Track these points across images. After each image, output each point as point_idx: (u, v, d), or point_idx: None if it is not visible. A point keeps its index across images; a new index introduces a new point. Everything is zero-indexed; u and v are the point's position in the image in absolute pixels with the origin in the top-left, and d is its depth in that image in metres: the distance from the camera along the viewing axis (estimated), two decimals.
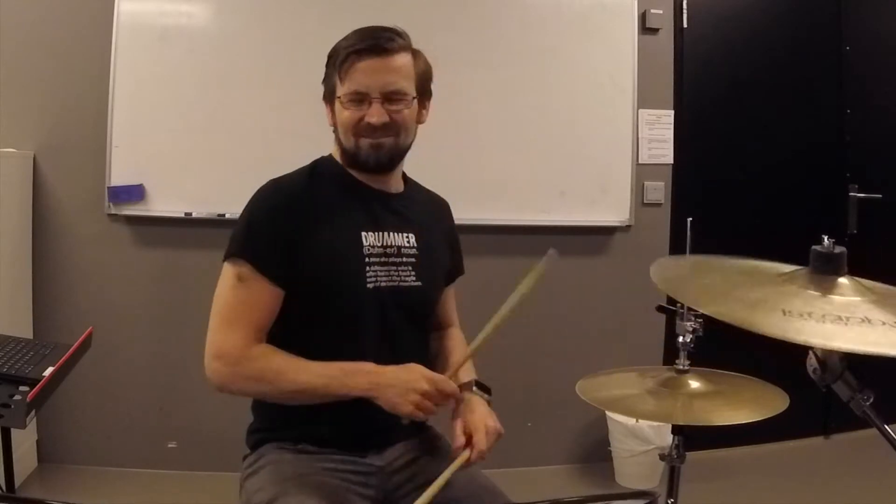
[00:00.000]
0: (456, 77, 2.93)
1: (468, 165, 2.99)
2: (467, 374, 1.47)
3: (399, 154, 1.45)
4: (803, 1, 3.42)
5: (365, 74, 1.37)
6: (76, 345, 1.72)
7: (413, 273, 1.45)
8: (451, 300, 1.67)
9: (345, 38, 1.42)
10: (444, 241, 1.60)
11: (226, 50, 2.85)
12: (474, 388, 1.43)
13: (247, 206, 1.42)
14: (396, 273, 1.43)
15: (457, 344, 1.60)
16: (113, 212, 2.84)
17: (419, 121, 1.47)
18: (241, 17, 2.88)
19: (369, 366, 1.32)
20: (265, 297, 1.36)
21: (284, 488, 1.30)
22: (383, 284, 1.41)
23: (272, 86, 2.85)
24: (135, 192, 2.83)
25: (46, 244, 2.88)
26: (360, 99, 1.38)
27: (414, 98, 1.42)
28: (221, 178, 2.83)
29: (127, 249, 2.91)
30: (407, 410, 1.27)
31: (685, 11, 3.17)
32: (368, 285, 1.40)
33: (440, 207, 1.64)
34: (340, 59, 1.39)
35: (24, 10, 2.82)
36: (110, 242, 2.90)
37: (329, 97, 1.45)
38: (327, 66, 1.45)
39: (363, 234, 1.42)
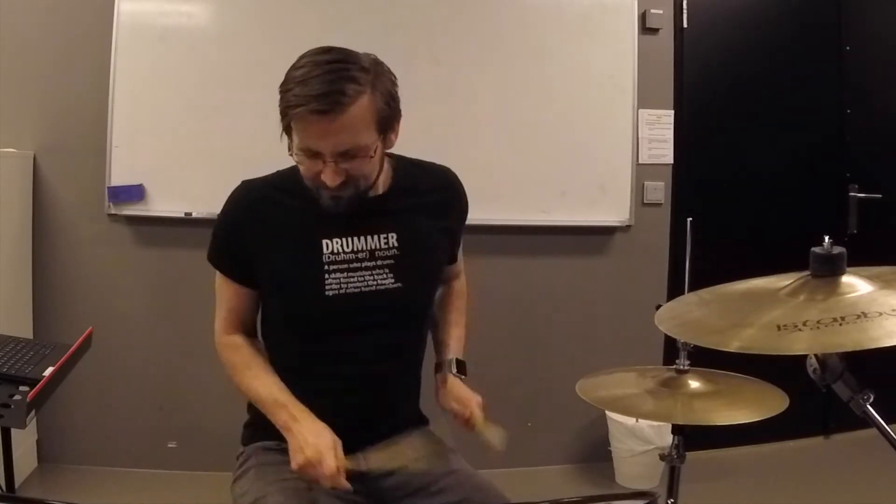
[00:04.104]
0: (456, 77, 2.94)
1: (468, 165, 2.92)
2: (452, 351, 1.53)
3: (363, 195, 1.36)
4: (803, 1, 3.42)
5: (316, 136, 1.25)
6: (76, 345, 1.72)
7: (391, 275, 1.41)
8: (457, 265, 1.67)
9: (294, 79, 1.25)
10: (439, 230, 1.51)
11: (226, 50, 2.85)
12: (454, 371, 1.49)
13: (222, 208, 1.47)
14: (370, 277, 1.40)
15: (452, 303, 1.64)
16: (113, 212, 2.84)
17: (386, 148, 1.37)
18: (241, 17, 2.88)
19: (296, 409, 1.33)
20: (233, 293, 1.46)
21: (265, 494, 1.31)
22: (350, 291, 1.38)
23: (272, 86, 2.80)
24: (135, 192, 2.83)
25: (46, 244, 2.88)
26: (313, 155, 1.28)
27: (375, 144, 1.30)
28: (221, 178, 2.76)
29: (127, 249, 2.91)
30: (293, 466, 1.27)
31: (685, 11, 3.17)
32: (328, 293, 1.37)
33: (443, 190, 1.54)
34: (288, 105, 1.24)
35: (24, 10, 2.82)
36: (110, 242, 2.90)
37: (287, 131, 1.30)
38: (280, 95, 1.29)
39: (325, 241, 1.38)
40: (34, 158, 2.87)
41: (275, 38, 2.87)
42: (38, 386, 1.54)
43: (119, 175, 2.82)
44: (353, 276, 1.39)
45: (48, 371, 1.61)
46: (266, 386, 1.38)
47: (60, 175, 2.89)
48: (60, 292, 2.89)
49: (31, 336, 2.73)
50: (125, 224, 2.89)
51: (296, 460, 1.26)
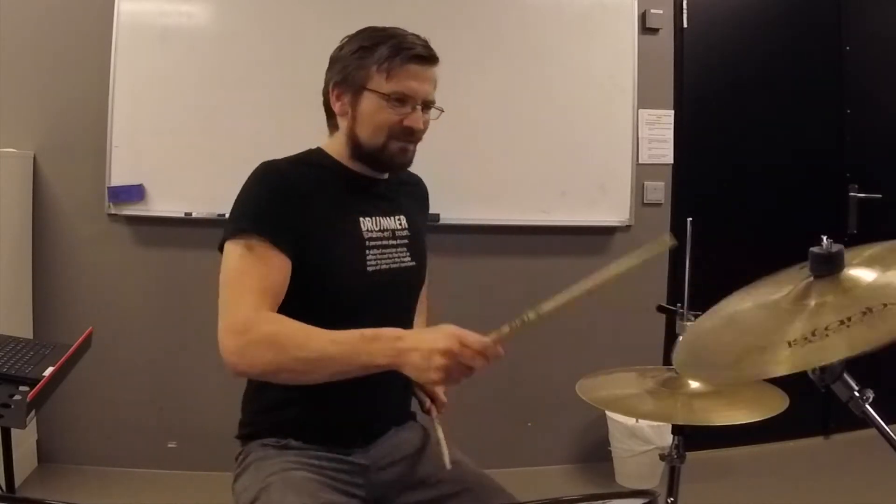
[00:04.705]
0: (456, 77, 2.91)
1: (468, 165, 2.99)
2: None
3: (412, 161, 1.48)
4: (803, 1, 3.42)
5: (416, 80, 1.39)
6: (76, 345, 1.72)
7: (408, 253, 1.50)
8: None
9: (381, 38, 1.40)
10: (423, 219, 1.63)
11: (226, 50, 2.85)
12: None
13: (245, 186, 1.38)
14: (395, 255, 1.47)
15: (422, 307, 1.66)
16: (113, 212, 2.85)
17: None
18: (241, 17, 2.88)
19: (391, 330, 1.19)
20: (276, 265, 1.30)
21: (267, 485, 1.30)
22: (383, 267, 1.45)
23: (272, 86, 2.85)
24: (135, 192, 2.83)
25: (46, 244, 2.88)
26: (403, 101, 1.38)
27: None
28: (221, 178, 2.80)
29: (127, 249, 2.91)
30: (434, 377, 1.12)
31: (685, 11, 3.17)
32: (369, 268, 1.42)
33: (415, 184, 1.66)
34: (387, 55, 1.37)
35: (24, 10, 2.82)
36: (110, 242, 2.90)
37: (351, 86, 1.41)
38: (355, 55, 1.41)
39: (361, 219, 1.44)
40: (34, 158, 2.87)
41: (275, 38, 2.87)
42: (38, 386, 1.54)
43: (119, 175, 2.82)
44: (385, 253, 1.45)
45: (48, 371, 1.62)
46: (343, 333, 1.20)
47: (60, 175, 2.89)
48: (60, 292, 2.89)
49: (31, 336, 2.74)
50: (125, 224, 2.90)
51: (435, 365, 1.10)
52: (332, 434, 1.40)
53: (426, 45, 1.42)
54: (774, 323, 1.08)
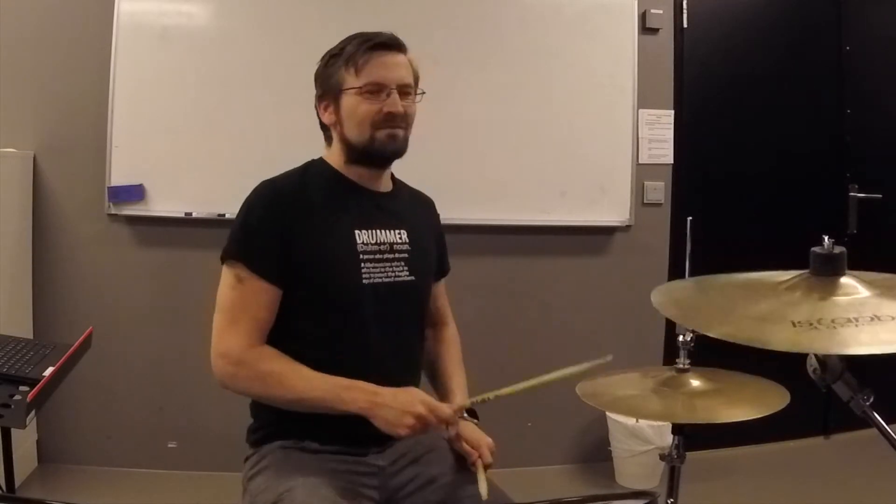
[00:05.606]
0: (456, 77, 2.94)
1: (468, 165, 2.99)
2: (459, 398, 1.51)
3: (405, 147, 1.48)
4: (803, 1, 3.42)
5: (383, 67, 1.43)
6: (76, 345, 1.72)
7: (406, 268, 1.49)
8: (444, 296, 1.70)
9: (346, 41, 1.46)
10: (431, 237, 1.64)
11: (226, 50, 2.85)
12: (465, 415, 1.47)
13: (241, 207, 1.44)
14: (391, 268, 1.47)
15: (452, 354, 1.64)
16: (113, 212, 2.85)
17: None
18: (241, 17, 2.88)
19: (369, 385, 1.34)
20: (263, 297, 1.39)
21: (289, 487, 1.30)
22: (378, 280, 1.45)
23: (272, 86, 2.85)
24: (135, 192, 2.83)
25: (46, 244, 2.88)
26: (377, 90, 1.42)
27: (416, 94, 1.49)
28: (221, 178, 2.83)
29: (127, 249, 2.91)
30: (402, 433, 1.30)
31: (685, 11, 3.17)
32: (364, 281, 1.43)
33: (426, 205, 1.68)
34: (351, 53, 1.43)
35: (24, 10, 2.82)
36: (110, 242, 2.90)
37: (331, 94, 1.47)
38: (328, 65, 1.48)
39: (356, 231, 1.45)
40: (34, 158, 2.87)
41: (275, 38, 2.87)
42: (38, 386, 1.54)
43: (119, 175, 2.82)
44: (379, 267, 1.46)
45: (48, 371, 1.62)
46: (324, 380, 1.35)
47: (60, 175, 2.89)
48: (60, 292, 2.89)
49: (31, 336, 2.73)
50: (125, 224, 2.90)
51: (405, 423, 1.28)
52: (350, 436, 1.40)
53: (391, 35, 1.46)
54: (777, 302, 1.07)
